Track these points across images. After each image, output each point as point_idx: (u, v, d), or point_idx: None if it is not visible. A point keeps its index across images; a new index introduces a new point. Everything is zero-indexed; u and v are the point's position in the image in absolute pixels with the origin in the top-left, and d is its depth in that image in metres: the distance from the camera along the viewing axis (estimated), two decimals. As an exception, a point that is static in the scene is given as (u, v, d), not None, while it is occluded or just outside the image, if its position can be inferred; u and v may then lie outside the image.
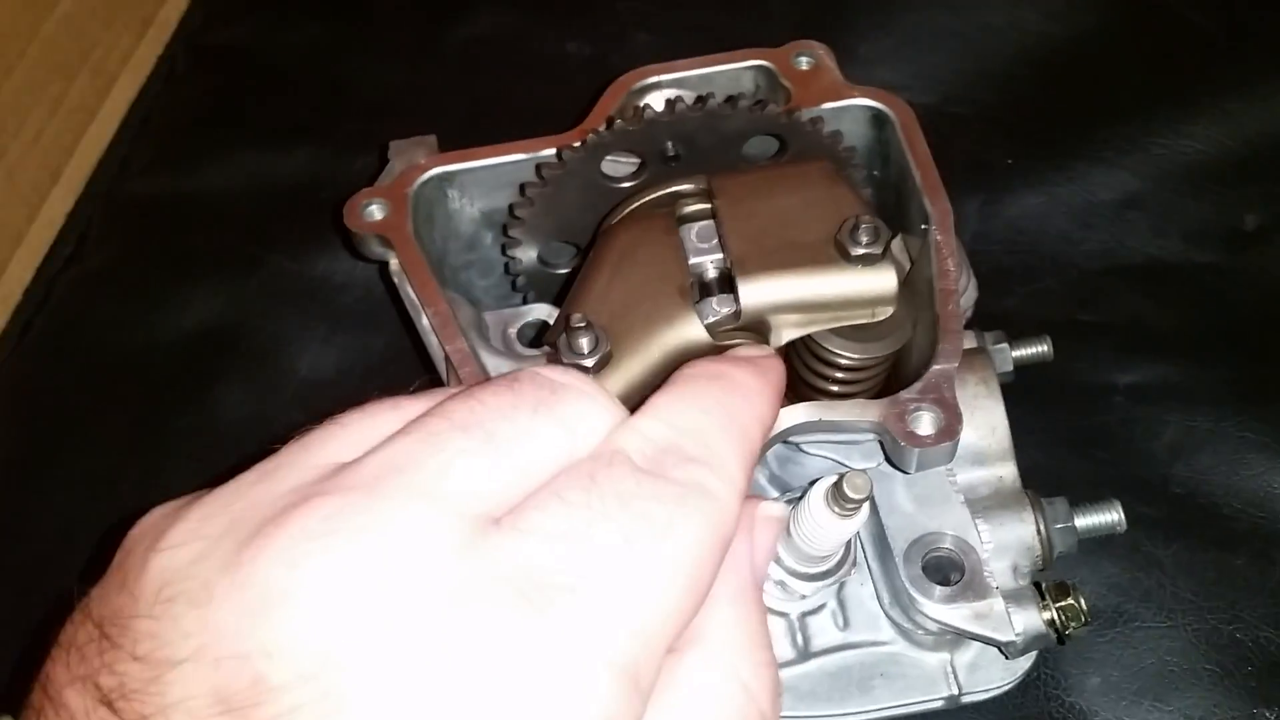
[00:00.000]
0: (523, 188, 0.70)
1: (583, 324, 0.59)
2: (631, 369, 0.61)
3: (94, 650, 0.32)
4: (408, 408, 0.38)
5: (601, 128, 0.68)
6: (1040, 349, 0.75)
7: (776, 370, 0.45)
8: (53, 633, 0.35)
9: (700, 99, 0.67)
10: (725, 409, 0.40)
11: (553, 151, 0.70)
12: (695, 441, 0.38)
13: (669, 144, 0.68)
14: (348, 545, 0.32)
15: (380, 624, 0.30)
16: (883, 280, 0.61)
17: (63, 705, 0.32)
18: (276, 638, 0.30)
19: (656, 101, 0.72)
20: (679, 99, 0.68)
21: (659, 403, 0.40)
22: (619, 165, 0.70)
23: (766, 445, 0.59)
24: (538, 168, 0.69)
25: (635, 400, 0.41)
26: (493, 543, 0.32)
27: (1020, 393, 0.70)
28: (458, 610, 0.31)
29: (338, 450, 0.36)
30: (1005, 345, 0.73)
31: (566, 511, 0.34)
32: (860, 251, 0.60)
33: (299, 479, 0.35)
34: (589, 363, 0.59)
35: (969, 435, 0.66)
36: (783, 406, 0.59)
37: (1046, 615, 0.61)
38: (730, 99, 0.67)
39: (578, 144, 0.68)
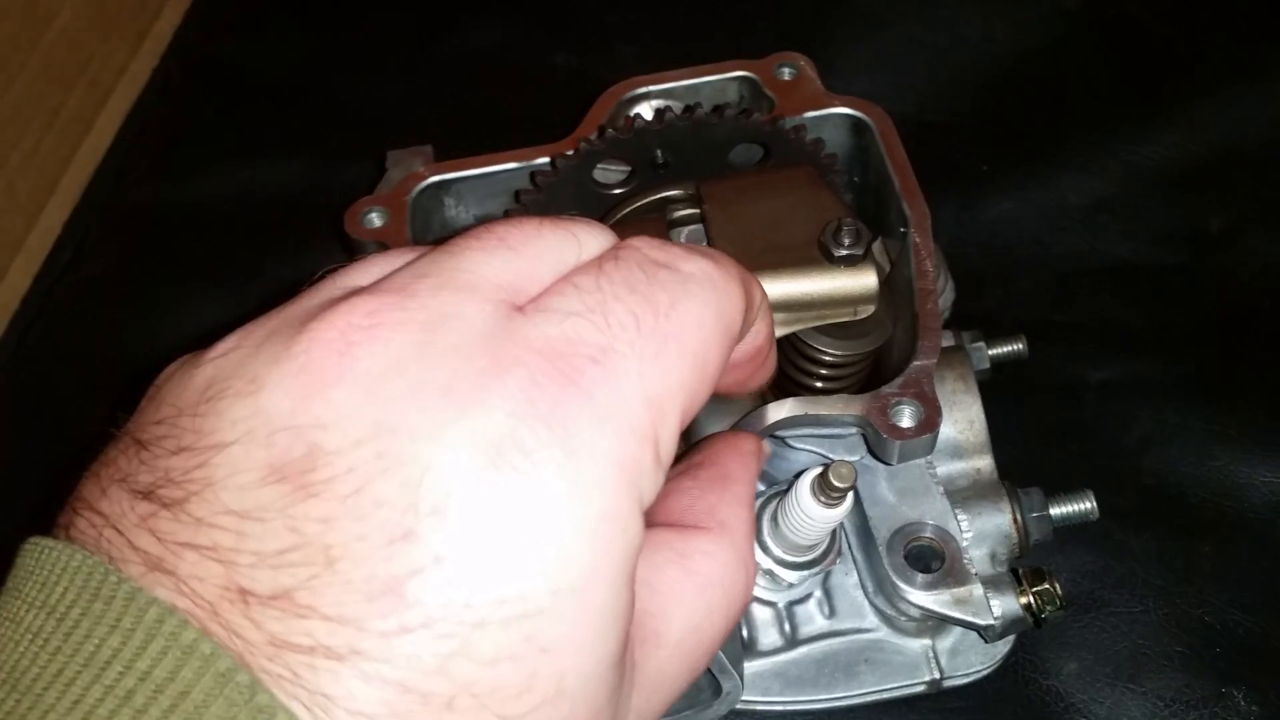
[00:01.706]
0: (517, 195, 0.72)
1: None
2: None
3: (130, 456, 0.33)
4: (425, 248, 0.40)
5: (593, 136, 0.70)
6: (1016, 347, 0.78)
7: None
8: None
9: (688, 108, 0.70)
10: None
11: (546, 160, 0.72)
12: (694, 248, 0.41)
13: (658, 152, 0.70)
14: (390, 331, 0.33)
15: (427, 392, 0.32)
16: (864, 280, 0.63)
17: (96, 512, 0.32)
18: (331, 412, 0.31)
19: (646, 111, 0.74)
20: (668, 109, 0.71)
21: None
22: (610, 173, 0.72)
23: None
24: (532, 175, 0.71)
25: None
26: (519, 322, 0.34)
27: (997, 389, 0.72)
28: (497, 378, 0.33)
29: (364, 278, 0.38)
30: (982, 344, 0.76)
31: (580, 296, 0.36)
32: (842, 253, 0.62)
33: (330, 295, 0.37)
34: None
35: (948, 429, 0.68)
36: (769, 402, 0.62)
37: (1024, 600, 0.63)
38: (717, 108, 0.69)
39: (570, 152, 0.70)
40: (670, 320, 0.36)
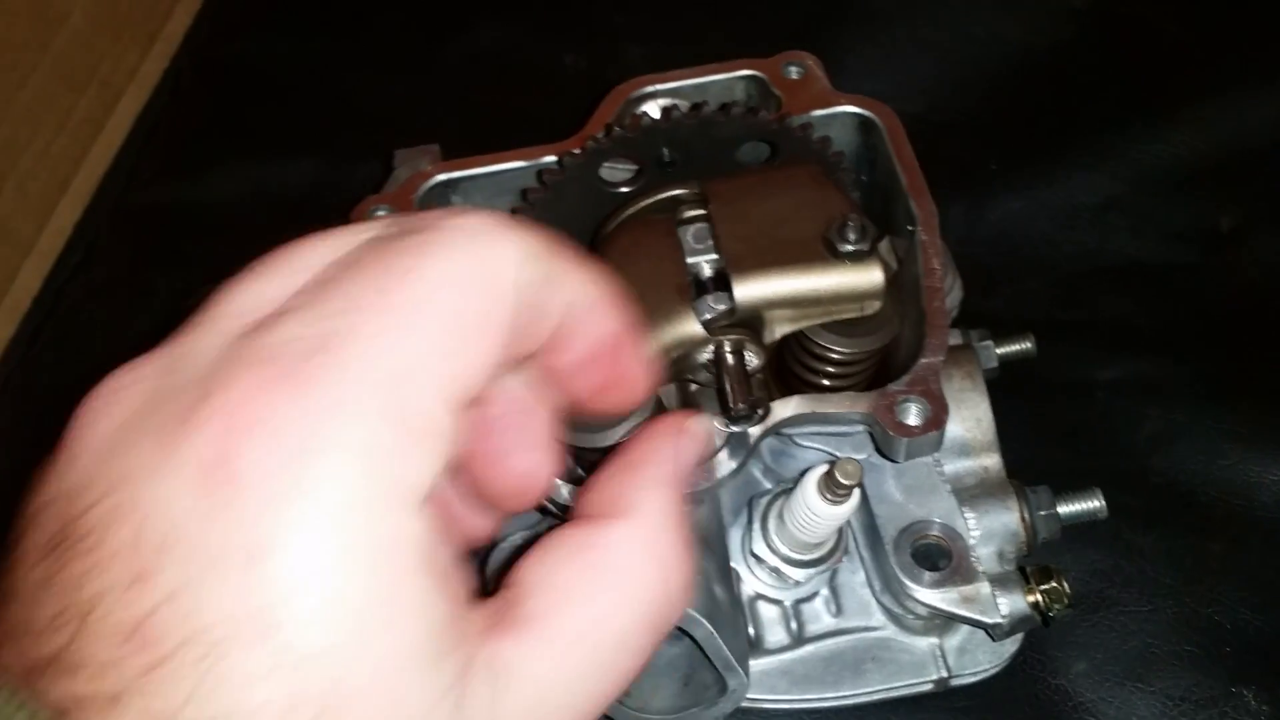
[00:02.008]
0: (524, 193, 0.72)
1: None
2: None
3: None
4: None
5: (600, 135, 0.70)
6: (1024, 346, 0.77)
7: None
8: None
9: (695, 107, 0.70)
10: None
11: (553, 158, 0.72)
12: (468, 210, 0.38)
13: (665, 150, 0.70)
14: (130, 389, 0.34)
15: (150, 434, 0.32)
16: (870, 275, 0.63)
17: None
18: (78, 477, 0.33)
19: (653, 110, 0.74)
20: (674, 107, 0.71)
21: None
22: (617, 171, 0.72)
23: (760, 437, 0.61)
24: (539, 174, 0.72)
25: None
26: (246, 339, 0.33)
27: (1005, 388, 0.72)
28: (208, 401, 0.32)
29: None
30: (990, 342, 0.75)
31: (304, 295, 0.34)
32: (848, 248, 0.62)
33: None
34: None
35: (955, 427, 0.68)
36: (776, 399, 0.62)
37: (1031, 598, 0.63)
38: (724, 107, 0.69)
39: (577, 151, 0.70)
40: (408, 285, 0.33)
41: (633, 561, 0.38)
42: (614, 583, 0.38)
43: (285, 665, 0.30)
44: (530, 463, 0.41)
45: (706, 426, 0.45)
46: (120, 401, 0.34)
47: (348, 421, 0.31)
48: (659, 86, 0.76)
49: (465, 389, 0.34)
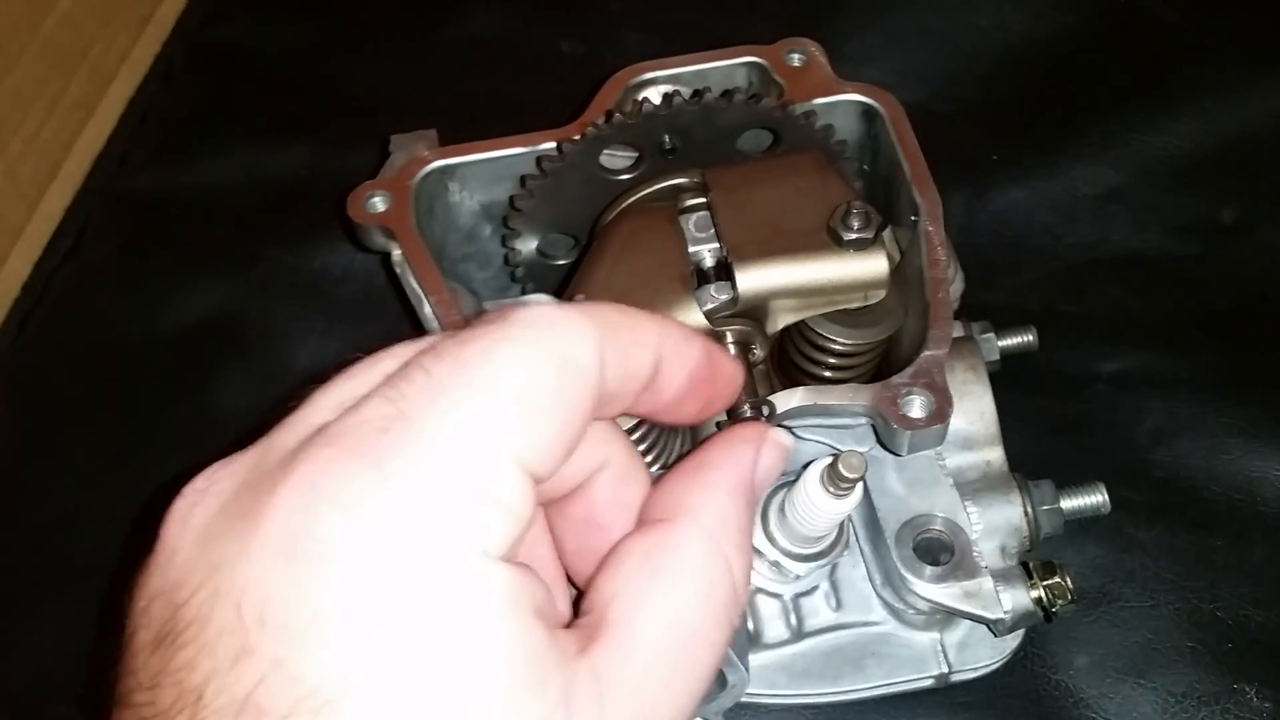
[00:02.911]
0: (523, 180, 0.71)
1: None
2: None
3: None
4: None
5: (600, 121, 0.69)
6: (1026, 338, 0.77)
7: None
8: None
9: (697, 93, 0.69)
10: None
11: (553, 145, 0.71)
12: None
13: (666, 137, 0.70)
14: (221, 484, 0.37)
15: (238, 520, 0.34)
16: (874, 264, 0.62)
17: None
18: (179, 571, 0.34)
19: (654, 96, 0.73)
20: (676, 93, 0.70)
21: None
22: (617, 158, 0.72)
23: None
24: (538, 160, 0.71)
25: None
26: (326, 428, 0.36)
27: (1007, 381, 0.71)
28: (286, 480, 0.34)
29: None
30: (992, 335, 0.75)
31: (399, 371, 0.37)
32: (852, 236, 0.62)
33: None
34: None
35: (958, 420, 0.67)
36: (778, 391, 0.61)
37: (1034, 593, 0.63)
38: (726, 93, 0.68)
39: (577, 137, 0.69)
40: (482, 366, 0.36)
41: (697, 561, 0.40)
42: (682, 582, 0.39)
43: (394, 715, 0.32)
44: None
45: (789, 440, 0.46)
46: (212, 494, 0.36)
47: (423, 489, 0.33)
48: (659, 73, 0.75)
49: (540, 459, 0.36)
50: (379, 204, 0.70)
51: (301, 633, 0.32)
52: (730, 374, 0.45)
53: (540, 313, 0.38)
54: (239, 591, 0.32)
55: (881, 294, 0.63)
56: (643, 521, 0.42)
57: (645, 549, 0.40)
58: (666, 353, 0.41)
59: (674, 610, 0.39)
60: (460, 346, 0.36)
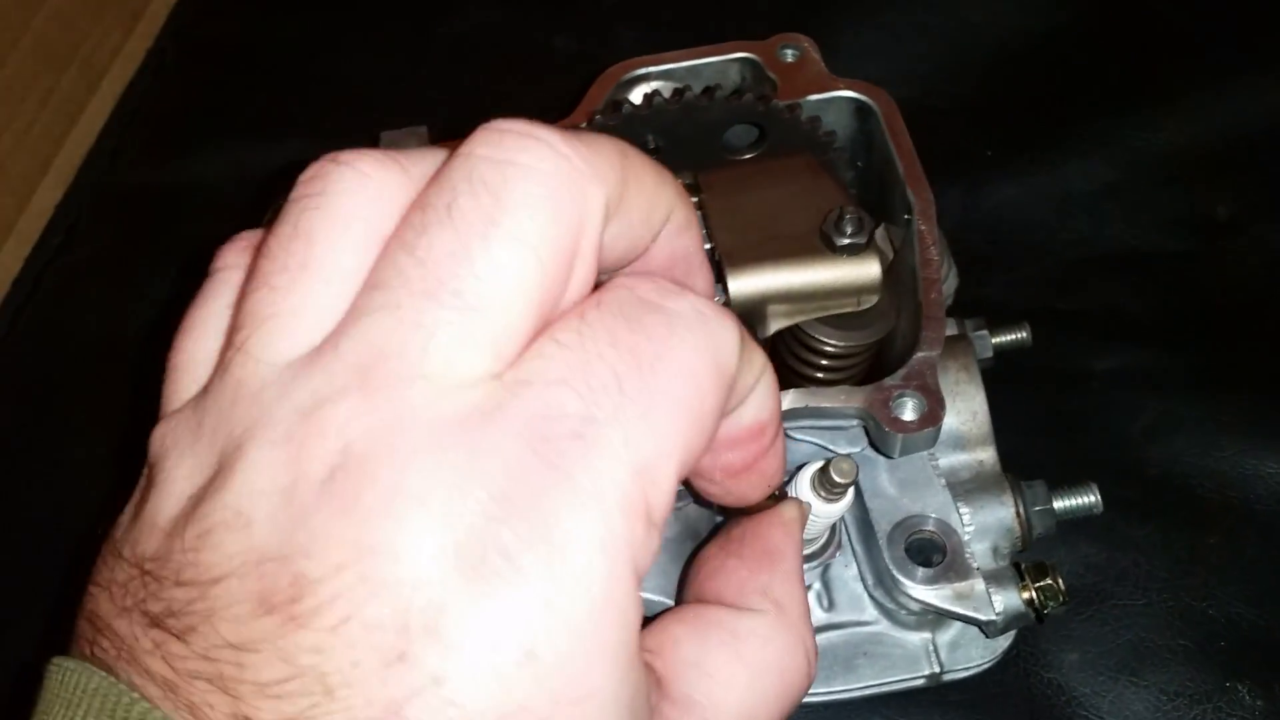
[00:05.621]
0: (513, 180, 0.71)
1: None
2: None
3: (137, 585, 0.33)
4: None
5: (582, 125, 0.68)
6: (1019, 335, 0.76)
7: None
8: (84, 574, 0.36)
9: (678, 91, 0.68)
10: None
11: (542, 144, 0.70)
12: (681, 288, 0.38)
13: (650, 137, 0.69)
14: (363, 448, 0.32)
15: (400, 501, 0.31)
16: (867, 269, 0.62)
17: (113, 633, 0.33)
18: (311, 538, 0.31)
19: (636, 96, 0.72)
20: (656, 93, 0.69)
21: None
22: (608, 158, 0.71)
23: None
24: (528, 160, 0.70)
25: None
26: (496, 399, 0.32)
27: (1000, 378, 0.71)
28: (471, 476, 0.31)
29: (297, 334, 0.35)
30: (985, 332, 0.75)
31: (563, 356, 0.33)
32: (845, 241, 0.61)
33: (299, 399, 0.33)
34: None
35: (951, 420, 0.67)
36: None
37: (1026, 595, 0.62)
38: (707, 90, 0.68)
39: (566, 136, 0.69)
40: (657, 374, 0.34)
41: (784, 659, 0.41)
42: (768, 679, 0.41)
43: None
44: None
45: (808, 509, 0.50)
46: (356, 461, 0.32)
47: (604, 517, 0.32)
48: (651, 69, 0.74)
49: (687, 472, 0.35)
50: (370, 203, 0.69)
51: (476, 658, 0.30)
52: (779, 458, 0.43)
53: (701, 310, 0.36)
54: (407, 591, 0.30)
55: (875, 299, 0.62)
56: (716, 600, 0.43)
57: (735, 629, 0.41)
58: (748, 382, 0.39)
59: (755, 702, 0.40)
60: (638, 338, 0.34)
